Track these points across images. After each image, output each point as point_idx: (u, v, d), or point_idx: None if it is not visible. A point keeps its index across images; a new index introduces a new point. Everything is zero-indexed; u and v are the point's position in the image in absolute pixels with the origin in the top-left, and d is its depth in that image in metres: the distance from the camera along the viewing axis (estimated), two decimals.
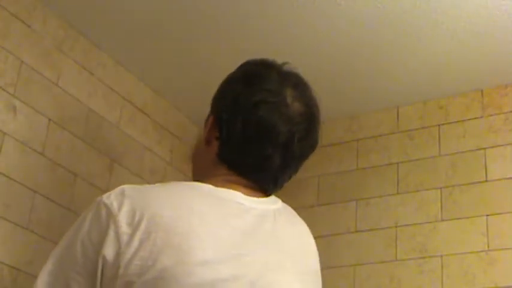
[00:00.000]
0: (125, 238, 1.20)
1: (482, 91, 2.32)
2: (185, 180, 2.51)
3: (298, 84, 1.40)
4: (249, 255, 1.24)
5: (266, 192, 1.37)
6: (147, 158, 2.36)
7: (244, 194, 1.32)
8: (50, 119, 2.02)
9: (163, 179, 2.40)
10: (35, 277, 1.88)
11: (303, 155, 1.39)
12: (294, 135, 1.34)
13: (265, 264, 1.25)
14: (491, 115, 2.28)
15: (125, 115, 2.29)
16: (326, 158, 2.49)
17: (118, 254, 1.19)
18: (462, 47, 2.12)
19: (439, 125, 2.35)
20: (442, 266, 2.17)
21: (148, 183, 2.32)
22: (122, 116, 2.29)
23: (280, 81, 1.37)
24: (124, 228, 1.20)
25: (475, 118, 2.30)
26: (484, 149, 2.25)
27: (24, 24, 1.99)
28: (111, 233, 1.21)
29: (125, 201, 1.24)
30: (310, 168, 2.49)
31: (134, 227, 1.20)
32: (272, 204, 1.35)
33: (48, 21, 2.06)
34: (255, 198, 1.33)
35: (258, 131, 1.32)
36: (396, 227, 2.28)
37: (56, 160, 2.02)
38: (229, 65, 2.31)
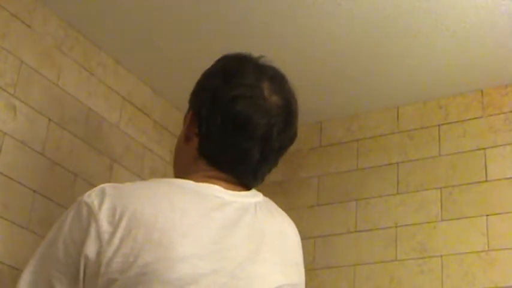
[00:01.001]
0: (106, 236, 1.21)
1: (482, 91, 2.32)
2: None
3: (275, 77, 1.41)
4: (229, 248, 1.25)
5: (247, 186, 1.38)
6: (147, 158, 2.36)
7: (225, 188, 1.33)
8: (50, 119, 2.02)
9: (163, 179, 2.40)
10: None
11: (282, 148, 1.40)
12: (272, 128, 1.34)
13: (246, 257, 1.26)
14: (491, 115, 2.28)
15: (124, 115, 2.29)
16: (326, 158, 2.49)
17: (99, 253, 1.20)
18: (462, 47, 2.12)
19: (439, 125, 2.35)
20: (442, 266, 2.17)
21: None
22: (122, 116, 2.29)
23: (257, 75, 1.38)
24: (105, 226, 1.21)
25: (475, 118, 2.30)
26: (484, 149, 2.25)
27: (24, 24, 1.99)
28: (92, 232, 1.22)
29: (105, 199, 1.25)
30: (310, 168, 2.49)
31: (115, 224, 1.21)
32: (253, 197, 1.36)
33: (48, 21, 2.06)
34: (236, 192, 1.34)
35: (236, 126, 1.33)
36: (396, 227, 2.28)
37: (56, 160, 2.02)
38: None
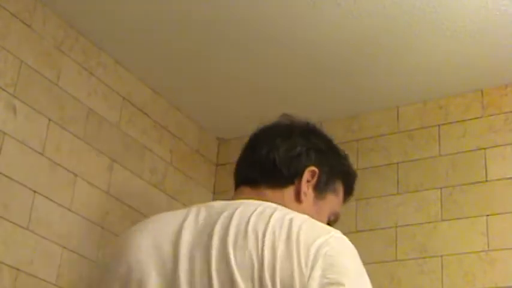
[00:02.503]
0: None
1: (482, 91, 2.32)
2: (185, 179, 2.51)
3: None
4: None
5: None
6: (147, 158, 2.36)
7: None
8: (50, 119, 2.02)
9: (163, 179, 2.40)
10: (35, 277, 1.89)
11: None
12: None
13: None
14: (491, 115, 2.28)
15: (124, 115, 2.29)
16: None
17: None
18: (462, 47, 2.12)
19: (439, 125, 2.35)
20: (442, 266, 2.17)
21: (149, 183, 2.33)
22: (122, 116, 2.29)
23: None
24: None
25: (475, 118, 2.30)
26: (484, 149, 2.25)
27: (24, 24, 1.99)
28: None
29: None
30: None
31: None
32: None
33: (48, 21, 2.06)
34: None
35: None
36: (396, 227, 2.28)
37: (56, 160, 2.02)
38: (229, 65, 2.32)
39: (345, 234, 2.34)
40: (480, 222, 2.16)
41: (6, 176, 1.87)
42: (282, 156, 1.49)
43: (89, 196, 2.11)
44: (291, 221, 1.29)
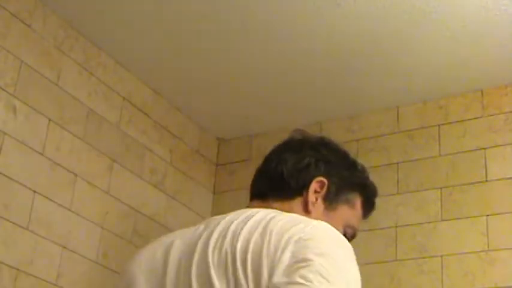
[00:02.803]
0: None
1: (482, 91, 2.32)
2: (185, 179, 2.51)
3: None
4: None
5: None
6: (147, 158, 2.36)
7: None
8: (50, 119, 2.02)
9: (163, 179, 2.40)
10: (35, 277, 1.89)
11: None
12: None
13: None
14: (491, 115, 2.28)
15: (125, 115, 2.29)
16: None
17: None
18: (462, 47, 2.12)
19: (439, 125, 2.35)
20: (442, 266, 2.17)
21: (149, 183, 2.33)
22: (122, 116, 2.29)
23: None
24: None
25: (475, 118, 2.30)
26: (484, 149, 2.25)
27: (24, 24, 1.99)
28: None
29: None
30: None
31: None
32: None
33: (48, 21, 2.06)
34: None
35: None
36: (396, 227, 2.28)
37: (56, 160, 2.02)
38: (229, 65, 2.32)
39: None
40: (480, 222, 2.16)
41: (6, 176, 1.87)
42: (289, 169, 1.50)
43: (89, 196, 2.11)
44: (273, 217, 1.28)
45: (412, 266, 2.21)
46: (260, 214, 1.31)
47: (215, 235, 1.30)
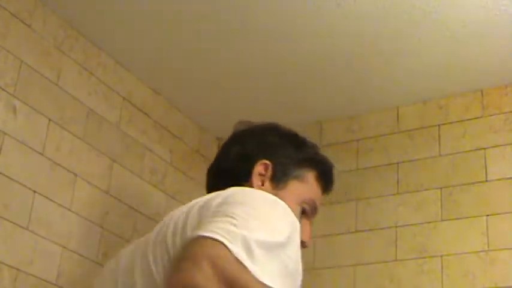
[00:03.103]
0: None
1: (482, 91, 2.32)
2: (185, 179, 2.51)
3: None
4: None
5: None
6: (147, 158, 2.36)
7: None
8: (50, 119, 2.02)
9: (163, 179, 2.40)
10: (35, 277, 1.89)
11: None
12: None
13: None
14: (491, 115, 2.28)
15: (125, 115, 2.29)
16: None
17: None
18: (462, 47, 2.12)
19: (439, 125, 2.35)
20: (442, 266, 2.17)
21: (149, 183, 2.33)
22: (122, 116, 2.29)
23: None
24: None
25: (475, 118, 2.30)
26: (484, 149, 2.25)
27: (24, 24, 1.99)
28: None
29: None
30: None
31: None
32: None
33: (48, 21, 2.06)
34: None
35: None
36: (396, 227, 2.28)
37: (56, 160, 2.02)
38: (229, 65, 2.32)
39: (345, 234, 2.36)
40: (480, 222, 2.16)
41: (6, 176, 1.87)
42: (232, 159, 1.55)
43: (89, 196, 2.11)
44: (215, 194, 1.29)
45: (412, 266, 2.21)
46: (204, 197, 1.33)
47: (159, 225, 1.34)
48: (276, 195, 1.39)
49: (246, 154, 1.55)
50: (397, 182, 2.34)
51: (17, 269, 1.85)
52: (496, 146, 2.23)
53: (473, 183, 2.22)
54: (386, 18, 2.02)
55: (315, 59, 2.22)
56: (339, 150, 2.48)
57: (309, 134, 2.56)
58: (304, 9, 2.01)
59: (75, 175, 2.07)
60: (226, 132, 2.71)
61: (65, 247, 2.00)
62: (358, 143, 2.46)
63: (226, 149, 1.61)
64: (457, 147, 2.29)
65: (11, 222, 1.86)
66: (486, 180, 2.21)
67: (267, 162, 1.52)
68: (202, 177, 2.67)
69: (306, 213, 1.56)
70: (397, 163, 2.37)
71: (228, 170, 1.55)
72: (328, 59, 2.22)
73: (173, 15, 2.07)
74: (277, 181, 1.53)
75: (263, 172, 1.52)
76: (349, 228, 2.35)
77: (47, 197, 1.97)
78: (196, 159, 2.57)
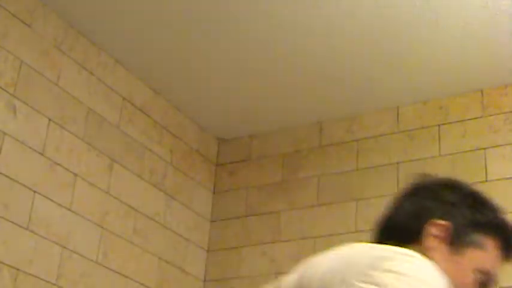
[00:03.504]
0: None
1: (482, 91, 2.31)
2: (185, 179, 2.51)
3: None
4: None
5: None
6: (147, 158, 2.36)
7: None
8: (50, 119, 2.02)
9: (163, 179, 2.40)
10: (35, 277, 1.89)
11: None
12: None
13: None
14: (491, 115, 2.28)
15: (125, 115, 2.29)
16: (326, 158, 2.49)
17: None
18: (462, 47, 2.12)
19: (439, 125, 2.35)
20: None
21: (148, 183, 2.33)
22: (122, 116, 2.29)
23: None
24: None
25: (475, 118, 2.30)
26: (484, 149, 2.24)
27: (24, 24, 1.99)
28: None
29: None
30: (310, 168, 2.49)
31: None
32: None
33: (48, 21, 2.06)
34: None
35: None
36: None
37: (56, 160, 2.02)
38: (230, 66, 2.32)
39: (345, 234, 2.35)
40: None
41: (6, 176, 1.87)
42: (404, 214, 1.43)
43: (89, 196, 2.11)
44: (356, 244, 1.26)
45: None
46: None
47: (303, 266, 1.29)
48: (452, 261, 1.35)
49: (420, 210, 1.41)
50: (397, 182, 2.34)
51: (17, 269, 1.85)
52: (496, 146, 2.23)
53: (473, 183, 2.21)
54: (387, 18, 2.02)
55: (315, 59, 2.22)
56: (339, 150, 2.48)
57: (309, 134, 2.58)
58: (304, 9, 2.01)
59: (75, 175, 2.07)
60: (227, 132, 2.73)
61: (65, 247, 2.00)
62: (358, 143, 2.46)
63: (400, 201, 1.48)
64: (457, 147, 2.29)
65: (11, 222, 1.86)
66: (486, 180, 2.21)
67: (443, 222, 1.38)
68: (202, 177, 2.69)
69: (479, 284, 1.46)
70: (397, 163, 2.37)
71: (398, 223, 1.43)
72: (328, 59, 2.22)
73: (173, 15, 2.07)
74: (454, 245, 1.45)
75: (437, 233, 1.44)
76: (349, 228, 2.35)
77: (47, 197, 1.97)
78: (196, 159, 2.58)
